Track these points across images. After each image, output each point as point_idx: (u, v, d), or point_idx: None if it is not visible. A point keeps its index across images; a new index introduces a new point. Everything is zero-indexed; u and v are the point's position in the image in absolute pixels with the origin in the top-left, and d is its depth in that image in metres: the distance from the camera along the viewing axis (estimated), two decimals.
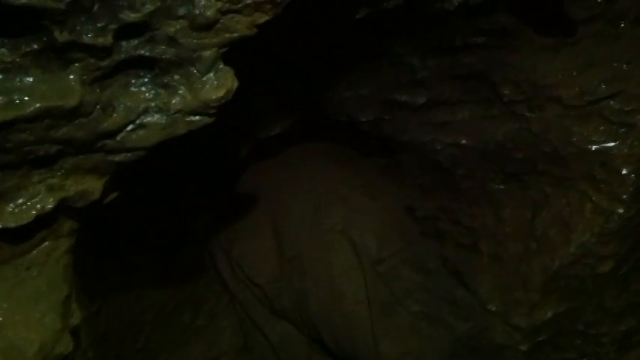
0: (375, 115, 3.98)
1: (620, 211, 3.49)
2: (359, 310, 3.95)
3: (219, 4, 1.87)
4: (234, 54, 2.04)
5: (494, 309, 3.92)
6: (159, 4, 1.82)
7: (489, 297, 3.95)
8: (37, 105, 1.76)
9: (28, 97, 1.76)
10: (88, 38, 1.77)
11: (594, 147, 3.48)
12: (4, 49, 1.73)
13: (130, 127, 1.98)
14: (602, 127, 3.45)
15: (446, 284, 4.08)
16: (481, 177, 3.89)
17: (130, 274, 3.68)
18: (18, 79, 1.76)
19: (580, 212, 3.63)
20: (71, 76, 1.82)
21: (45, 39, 1.74)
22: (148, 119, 1.99)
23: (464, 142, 3.79)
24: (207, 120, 2.05)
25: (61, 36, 1.73)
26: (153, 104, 1.98)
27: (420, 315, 3.95)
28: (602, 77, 3.37)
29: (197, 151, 3.48)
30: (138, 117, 1.97)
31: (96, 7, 1.76)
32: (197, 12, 1.87)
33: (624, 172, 3.44)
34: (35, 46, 1.75)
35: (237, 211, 4.35)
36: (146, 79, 1.97)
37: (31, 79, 1.78)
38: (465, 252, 4.10)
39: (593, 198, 3.55)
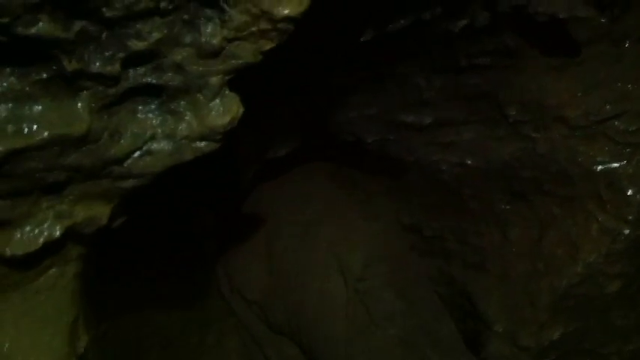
0: (381, 135, 4.00)
1: (627, 231, 3.49)
2: (337, 328, 3.94)
3: (225, 31, 1.90)
4: (240, 79, 2.06)
5: (501, 330, 3.90)
6: (165, 32, 1.85)
7: (497, 317, 3.93)
8: (46, 133, 1.79)
9: (37, 125, 1.79)
10: (96, 67, 1.79)
11: (600, 167, 3.48)
12: (13, 78, 1.75)
13: (137, 154, 2.00)
14: (607, 147, 3.46)
15: (430, 317, 4.05)
16: (487, 197, 3.90)
17: (138, 297, 3.69)
18: (27, 108, 1.78)
19: (587, 232, 3.63)
20: (79, 104, 1.84)
21: (54, 68, 1.77)
22: (155, 145, 2.01)
23: (470, 162, 3.79)
24: (214, 146, 2.07)
25: (70, 65, 1.76)
26: (160, 130, 2.00)
27: (397, 340, 3.92)
28: (607, 97, 3.38)
29: (204, 174, 3.50)
30: (145, 143, 1.99)
31: (104, 36, 1.78)
32: (203, 40, 1.90)
33: (630, 192, 3.45)
34: (44, 75, 1.78)
35: (238, 231, 4.38)
36: (153, 106, 1.99)
37: (40, 107, 1.80)
38: (473, 272, 4.09)
39: (600, 218, 3.55)
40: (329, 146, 4.32)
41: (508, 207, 3.87)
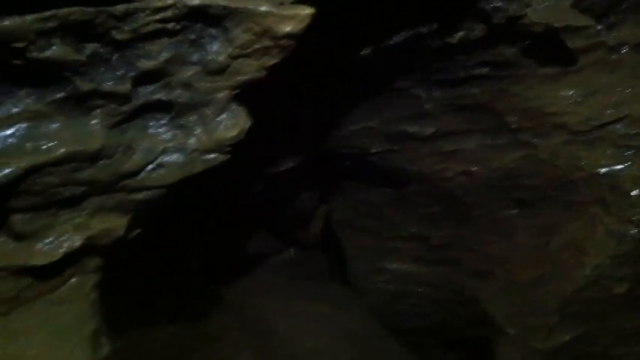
0: (384, 147, 4.06)
1: (633, 232, 3.52)
2: None
3: (230, 49, 2.00)
4: (245, 94, 2.16)
5: (511, 334, 3.93)
6: (174, 51, 1.96)
7: (507, 322, 3.96)
8: (63, 150, 1.89)
9: (53, 142, 1.89)
10: (108, 86, 1.90)
11: (603, 170, 3.52)
12: (29, 99, 1.86)
13: (149, 167, 2.10)
14: (609, 151, 3.50)
15: None
16: (492, 204, 3.95)
17: (149, 312, 3.75)
18: (44, 126, 1.89)
19: (592, 235, 3.66)
20: (93, 122, 1.95)
21: (68, 88, 1.88)
22: (167, 159, 2.11)
23: (473, 170, 3.85)
24: (223, 158, 2.16)
25: (83, 85, 1.87)
26: (170, 145, 2.10)
27: None
28: (607, 103, 3.43)
29: (212, 188, 3.58)
30: (157, 157, 2.09)
31: (114, 58, 1.89)
32: (210, 58, 2.00)
33: (634, 193, 3.48)
34: (59, 95, 1.88)
35: None
36: (163, 122, 2.10)
37: (56, 126, 1.91)
38: (481, 278, 4.13)
39: (605, 221, 3.58)
40: (332, 160, 4.38)
41: (513, 213, 3.92)
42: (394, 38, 3.14)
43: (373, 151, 4.10)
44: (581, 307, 3.78)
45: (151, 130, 2.09)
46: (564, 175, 3.62)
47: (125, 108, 1.97)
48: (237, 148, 2.20)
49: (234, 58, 2.02)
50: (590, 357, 3.91)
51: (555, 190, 3.70)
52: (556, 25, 3.09)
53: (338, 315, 4.42)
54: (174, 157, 2.12)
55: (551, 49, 3.29)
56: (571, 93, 3.45)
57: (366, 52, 3.19)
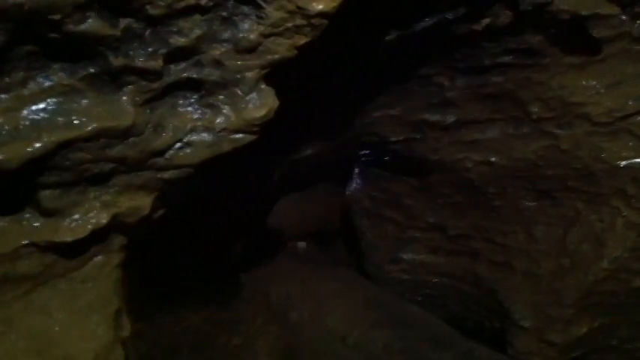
0: (406, 135, 4.06)
1: None
2: None
3: (262, 27, 1.98)
4: (274, 75, 2.14)
5: (528, 326, 3.92)
6: (205, 29, 1.94)
7: (524, 314, 3.96)
8: (94, 125, 1.89)
9: (85, 118, 1.88)
10: (140, 62, 1.89)
11: (624, 163, 3.51)
12: (62, 74, 1.85)
13: (177, 146, 2.09)
14: (631, 143, 3.49)
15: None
16: (512, 195, 3.94)
17: (169, 297, 3.77)
18: (75, 102, 1.88)
19: (612, 228, 3.65)
20: (124, 98, 1.94)
21: (100, 63, 1.87)
22: (195, 138, 2.10)
23: (494, 160, 3.83)
24: (250, 138, 2.16)
25: (116, 60, 1.85)
26: (199, 123, 2.10)
27: None
28: (630, 94, 3.40)
29: (236, 172, 3.58)
30: (185, 136, 2.09)
31: (147, 33, 1.88)
32: (241, 36, 1.99)
33: None
34: (91, 70, 1.87)
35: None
36: (193, 100, 2.09)
37: (87, 101, 1.90)
38: (499, 270, 4.13)
39: (625, 213, 3.57)
40: (354, 147, 4.38)
41: (533, 204, 3.91)
42: (420, 24, 3.12)
43: (394, 139, 4.09)
44: (598, 300, 3.77)
45: (180, 109, 2.08)
46: (585, 166, 3.60)
47: (156, 85, 1.96)
48: (263, 129, 2.20)
49: (266, 36, 2.01)
50: (607, 350, 3.91)
51: (576, 182, 3.69)
52: (583, 12, 3.06)
53: (355, 290, 4.42)
54: (202, 136, 2.11)
55: (576, 38, 3.26)
56: (594, 83, 3.42)
57: (391, 37, 3.17)
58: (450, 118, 3.82)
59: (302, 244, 5.38)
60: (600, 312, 3.79)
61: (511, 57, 3.41)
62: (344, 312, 4.12)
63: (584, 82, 3.42)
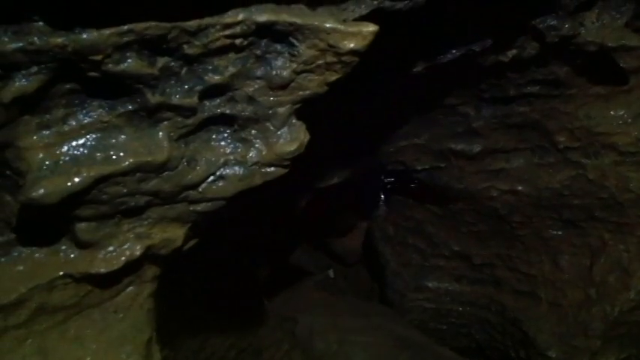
0: (431, 164, 4.08)
1: None
2: None
3: (294, 65, 2.02)
4: (305, 109, 2.18)
5: (554, 355, 3.89)
6: (240, 66, 1.98)
7: (549, 344, 3.93)
8: (131, 160, 1.93)
9: (122, 153, 1.93)
10: (176, 99, 1.93)
11: None
12: (101, 110, 1.90)
13: (210, 179, 2.13)
14: None
15: None
16: (537, 224, 3.93)
17: (194, 323, 3.79)
18: (114, 137, 1.93)
19: (638, 258, 3.63)
20: (160, 134, 1.98)
21: (138, 100, 1.91)
22: (227, 171, 2.14)
23: (520, 189, 3.84)
24: (282, 171, 2.19)
25: (153, 98, 1.90)
26: (232, 157, 2.13)
27: None
28: None
29: (265, 202, 3.61)
30: (218, 169, 2.12)
31: (184, 71, 1.92)
32: (274, 73, 2.02)
33: None
34: (129, 107, 1.92)
35: None
36: (226, 134, 2.13)
37: (124, 137, 1.94)
38: (523, 299, 4.11)
39: None
40: (379, 176, 4.41)
41: (559, 234, 3.90)
42: (447, 55, 3.15)
43: (419, 167, 4.11)
44: (625, 331, 3.74)
45: (213, 143, 2.12)
46: (612, 196, 3.60)
47: (191, 121, 2.00)
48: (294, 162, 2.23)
49: (298, 73, 2.04)
50: None
51: (602, 211, 3.68)
52: (610, 44, 3.08)
53: (383, 326, 4.40)
54: (234, 170, 2.14)
55: (602, 69, 3.28)
56: (621, 113, 3.43)
57: (418, 68, 3.21)
58: (476, 148, 3.84)
59: (330, 272, 5.39)
60: (627, 343, 3.76)
61: (537, 87, 3.43)
62: (370, 349, 4.12)
63: (611, 112, 3.43)
